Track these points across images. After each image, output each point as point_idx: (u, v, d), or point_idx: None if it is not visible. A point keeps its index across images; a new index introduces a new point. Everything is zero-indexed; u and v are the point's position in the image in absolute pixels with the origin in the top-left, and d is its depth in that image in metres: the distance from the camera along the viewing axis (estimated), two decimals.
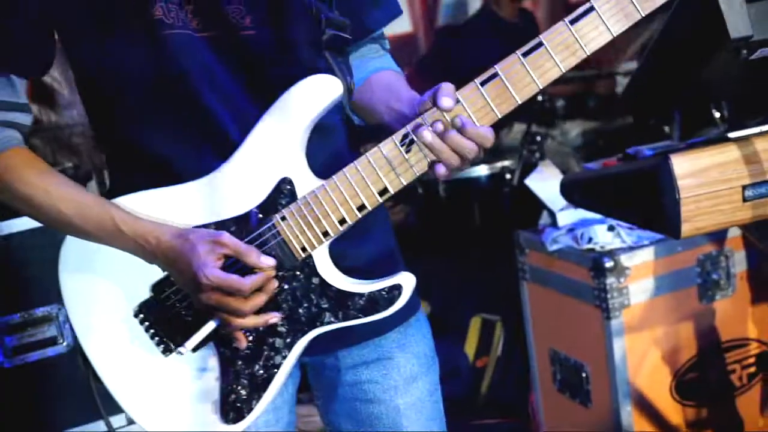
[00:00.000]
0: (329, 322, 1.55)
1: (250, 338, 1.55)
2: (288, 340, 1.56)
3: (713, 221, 1.88)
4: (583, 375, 3.09)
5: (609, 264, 2.85)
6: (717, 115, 2.53)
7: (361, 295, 1.54)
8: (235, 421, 1.57)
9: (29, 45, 1.54)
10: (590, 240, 2.93)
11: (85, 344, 1.63)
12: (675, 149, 1.95)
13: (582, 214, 3.09)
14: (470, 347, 3.96)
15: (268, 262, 1.48)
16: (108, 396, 1.65)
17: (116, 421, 3.14)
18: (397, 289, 1.53)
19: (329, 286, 1.54)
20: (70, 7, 1.49)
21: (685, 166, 1.84)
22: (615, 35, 1.41)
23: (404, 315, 1.68)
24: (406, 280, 1.54)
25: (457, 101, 1.43)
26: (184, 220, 1.54)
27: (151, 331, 1.59)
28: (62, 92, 4.49)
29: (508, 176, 4.19)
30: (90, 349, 1.63)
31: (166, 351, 1.59)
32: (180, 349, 1.53)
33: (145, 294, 1.58)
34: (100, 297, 1.61)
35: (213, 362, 1.58)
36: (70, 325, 2.93)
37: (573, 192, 2.28)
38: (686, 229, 1.86)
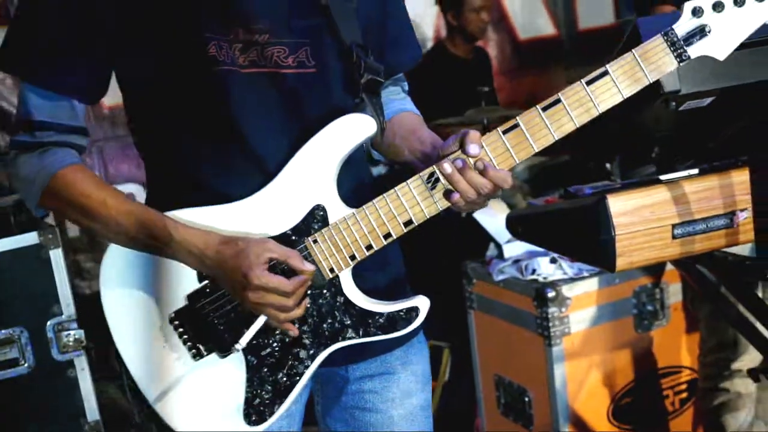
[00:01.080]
0: (350, 338, 1.71)
1: (277, 349, 1.71)
2: (311, 351, 1.71)
3: (645, 256, 2.05)
4: (526, 399, 3.25)
5: (551, 294, 3.02)
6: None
7: (381, 315, 1.71)
8: (257, 423, 1.72)
9: (92, 74, 1.69)
10: (534, 271, 3.10)
11: (121, 348, 1.75)
12: (612, 189, 2.11)
13: (526, 246, 3.25)
14: None
15: (310, 267, 1.64)
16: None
17: None
18: (414, 310, 1.71)
19: (353, 305, 1.71)
20: (134, 42, 1.64)
21: (620, 205, 2.00)
22: (625, 97, 1.59)
23: (409, 335, 1.84)
24: (423, 303, 1.72)
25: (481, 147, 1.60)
26: None
27: (185, 336, 1.71)
28: (9, 111, 4.57)
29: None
30: (125, 353, 1.75)
31: (197, 356, 1.72)
32: (237, 346, 1.64)
33: (180, 303, 1.71)
34: (136, 306, 1.74)
35: (240, 369, 1.72)
36: (32, 348, 3.05)
37: (518, 226, 2.43)
38: (621, 263, 2.02)
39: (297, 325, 1.68)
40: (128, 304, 1.75)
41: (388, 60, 1.85)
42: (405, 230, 1.67)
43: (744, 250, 2.15)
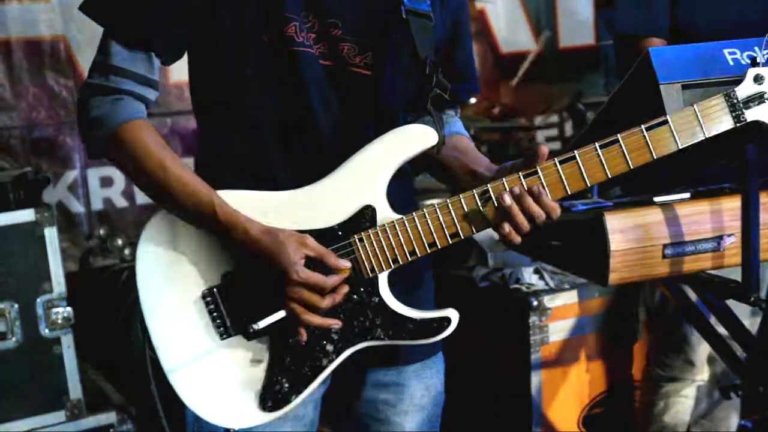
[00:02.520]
0: (378, 338, 1.73)
1: (305, 338, 1.72)
2: (339, 345, 1.73)
3: (636, 273, 2.13)
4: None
5: (534, 303, 3.13)
6: None
7: (412, 320, 1.72)
8: (273, 410, 1.74)
9: (173, 31, 1.72)
10: (517, 281, 3.21)
11: (149, 317, 1.76)
12: (607, 207, 2.21)
13: (511, 255, 3.37)
14: None
15: (346, 264, 1.66)
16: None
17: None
18: (446, 320, 1.72)
19: (386, 307, 1.72)
20: (215, 11, 1.69)
21: (616, 223, 2.08)
22: (680, 147, 1.66)
23: (428, 351, 1.92)
24: (454, 315, 1.73)
25: (536, 173, 1.65)
26: (267, 224, 1.70)
27: (215, 314, 1.73)
28: (4, 95, 4.56)
29: None
30: (152, 322, 1.76)
31: (224, 335, 1.73)
32: (253, 325, 1.65)
33: (216, 280, 1.74)
34: (171, 276, 1.76)
35: (263, 354, 1.74)
36: (21, 323, 3.08)
37: None
38: (613, 278, 2.10)
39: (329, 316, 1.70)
40: (163, 275, 1.76)
41: (458, 87, 1.92)
42: (450, 242, 1.70)
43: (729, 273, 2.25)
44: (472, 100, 4.76)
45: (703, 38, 1.99)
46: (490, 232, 3.20)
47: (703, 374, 3.09)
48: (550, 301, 3.16)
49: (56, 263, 3.17)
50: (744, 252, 2.06)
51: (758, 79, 1.68)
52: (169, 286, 1.76)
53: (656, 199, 2.17)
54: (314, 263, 1.65)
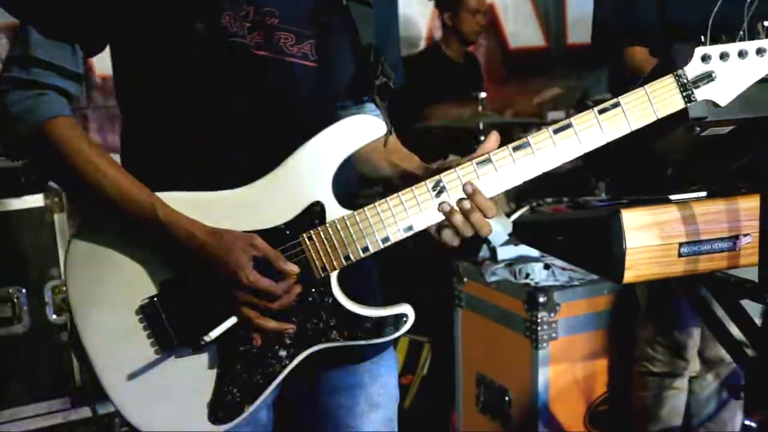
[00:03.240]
0: (334, 340, 1.66)
1: (256, 345, 1.64)
2: (291, 351, 1.65)
3: (651, 271, 2.12)
4: (506, 399, 3.35)
5: (542, 299, 3.12)
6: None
7: (368, 319, 1.66)
8: (224, 421, 1.65)
9: (98, 18, 1.61)
10: (527, 276, 3.20)
11: (83, 333, 1.66)
12: (622, 204, 2.20)
13: (520, 250, 3.36)
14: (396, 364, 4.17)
15: (294, 268, 1.59)
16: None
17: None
18: (403, 317, 1.68)
19: (341, 307, 1.66)
20: (142, 2, 1.59)
21: (633, 220, 2.07)
22: (632, 129, 1.67)
23: (381, 347, 1.86)
24: (410, 311, 1.69)
25: (489, 160, 1.63)
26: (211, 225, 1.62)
27: (156, 324, 1.63)
28: None
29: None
30: (87, 339, 1.66)
31: (166, 347, 1.64)
32: (204, 337, 1.57)
33: (153, 290, 1.64)
34: (105, 288, 1.65)
35: (211, 363, 1.65)
36: (28, 307, 3.08)
37: (526, 232, 2.53)
38: (628, 276, 2.09)
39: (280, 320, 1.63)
40: (96, 286, 1.66)
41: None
42: (405, 236, 1.64)
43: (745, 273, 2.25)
44: (483, 95, 4.70)
45: (695, 36, 1.99)
46: (498, 227, 3.22)
47: (694, 367, 3.12)
48: (560, 297, 3.15)
49: (65, 249, 3.15)
50: (761, 252, 2.05)
51: (705, 58, 1.68)
52: (103, 299, 1.66)
53: (673, 197, 2.17)
54: (263, 264, 1.58)
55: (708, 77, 1.68)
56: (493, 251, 3.41)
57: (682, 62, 1.72)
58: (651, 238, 2.09)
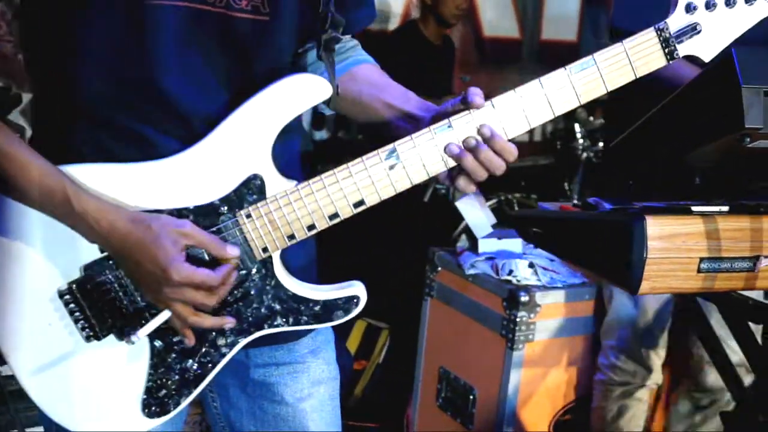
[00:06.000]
0: (278, 326, 1.52)
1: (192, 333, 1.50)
2: (230, 339, 1.52)
3: (668, 285, 2.00)
4: (471, 398, 3.20)
5: (524, 298, 2.97)
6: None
7: (316, 302, 1.52)
8: (157, 415, 1.52)
9: None
10: (510, 272, 3.05)
11: None
12: (638, 210, 2.06)
13: (502, 245, 3.21)
14: (350, 348, 4.01)
15: (233, 251, 1.42)
16: None
17: None
18: (354, 299, 1.52)
19: (285, 290, 1.51)
20: None
21: (656, 229, 1.95)
22: (608, 90, 1.50)
23: None
24: (362, 292, 1.53)
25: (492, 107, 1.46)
26: (134, 202, 1.43)
27: (77, 314, 1.47)
28: None
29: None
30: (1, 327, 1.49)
31: (91, 337, 1.47)
32: (132, 337, 1.41)
33: (75, 274, 1.46)
34: (21, 272, 1.47)
35: (143, 353, 1.50)
36: None
37: (529, 228, 2.37)
38: (644, 287, 1.96)
39: (218, 309, 1.47)
40: (12, 269, 1.47)
41: (351, 16, 1.65)
42: (354, 211, 1.47)
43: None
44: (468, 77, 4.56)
45: None
46: (482, 217, 3.06)
47: (657, 378, 3.05)
48: (541, 298, 3.01)
49: None
50: None
51: (690, 8, 1.52)
52: (20, 284, 1.47)
53: (695, 208, 2.04)
54: (197, 252, 1.41)
55: (693, 30, 1.52)
56: (474, 243, 3.25)
57: None
58: (672, 250, 1.97)
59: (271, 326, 1.52)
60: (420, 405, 3.51)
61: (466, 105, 1.46)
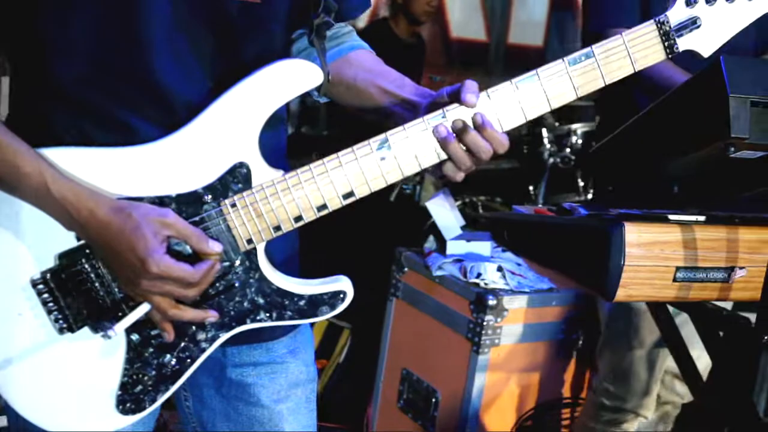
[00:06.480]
0: (261, 320, 1.47)
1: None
2: (211, 333, 1.46)
3: (643, 293, 1.99)
4: (433, 400, 3.16)
5: (492, 302, 2.94)
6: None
7: (301, 297, 1.47)
8: (134, 411, 1.46)
9: None
10: (479, 275, 3.01)
11: None
12: (619, 216, 2.04)
13: (471, 247, 3.17)
14: None
15: (216, 247, 1.37)
16: None
17: None
18: (341, 294, 1.48)
19: (269, 283, 1.46)
20: None
21: (635, 236, 1.93)
22: (606, 84, 1.47)
23: None
24: (349, 288, 1.49)
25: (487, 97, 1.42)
26: (113, 188, 1.38)
27: (50, 304, 1.41)
28: None
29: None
30: None
31: (65, 329, 1.42)
32: (109, 331, 1.36)
33: (49, 262, 1.40)
34: None
35: (118, 347, 1.44)
36: None
37: (503, 231, 2.34)
38: (620, 294, 1.94)
39: (199, 301, 1.42)
40: None
41: (341, 3, 1.60)
42: (343, 203, 1.43)
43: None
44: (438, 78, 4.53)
45: None
46: (452, 219, 3.03)
47: (648, 410, 2.95)
48: (509, 303, 2.98)
49: None
50: (766, 291, 1.93)
51: (690, 2, 1.50)
52: None
53: (672, 217, 2.03)
54: (179, 244, 1.37)
55: (693, 24, 1.50)
56: (442, 244, 3.21)
57: None
58: (650, 258, 1.96)
59: (253, 321, 1.46)
60: (380, 406, 3.47)
61: (459, 102, 1.41)
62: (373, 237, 3.94)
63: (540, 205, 2.13)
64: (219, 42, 1.42)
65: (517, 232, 2.32)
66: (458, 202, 4.84)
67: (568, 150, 4.53)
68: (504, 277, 3.04)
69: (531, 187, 4.61)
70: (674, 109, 1.92)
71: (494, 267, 3.02)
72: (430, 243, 3.30)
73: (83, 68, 1.37)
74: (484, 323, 2.95)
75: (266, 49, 1.47)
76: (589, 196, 4.64)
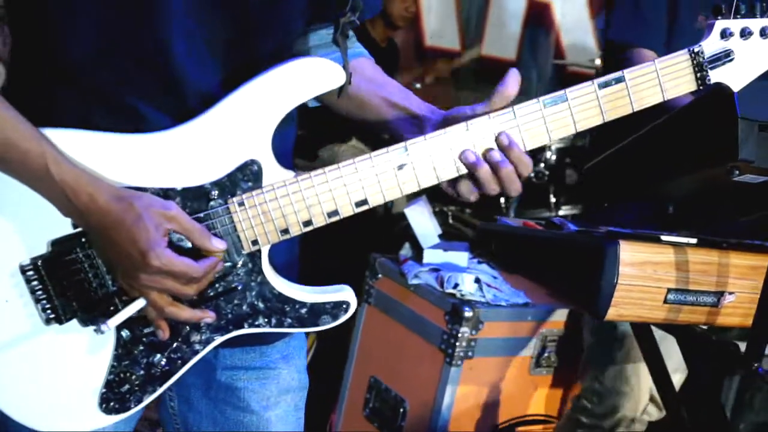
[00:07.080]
0: (259, 326, 1.42)
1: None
2: (205, 336, 1.41)
3: (634, 313, 1.97)
4: (401, 410, 3.11)
5: (468, 314, 2.90)
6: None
7: (303, 304, 1.42)
8: (118, 411, 1.40)
9: None
10: (456, 286, 2.97)
11: None
12: (609, 233, 2.01)
13: (448, 257, 3.13)
14: None
15: (220, 245, 1.32)
16: None
17: None
18: (344, 305, 1.44)
19: (271, 288, 1.41)
20: None
21: (629, 254, 1.91)
22: (633, 111, 1.44)
23: None
24: (352, 298, 1.45)
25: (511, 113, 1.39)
26: (116, 176, 1.32)
27: (39, 293, 1.34)
28: None
29: None
30: None
31: (52, 320, 1.36)
32: (102, 326, 1.30)
33: (41, 249, 1.34)
34: None
35: (106, 343, 1.38)
36: None
37: (490, 242, 2.30)
38: (611, 313, 1.92)
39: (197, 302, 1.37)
40: None
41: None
42: (356, 211, 1.38)
43: None
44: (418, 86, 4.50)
45: None
46: (430, 227, 2.98)
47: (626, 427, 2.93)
48: (485, 315, 2.94)
49: None
50: (758, 319, 1.92)
51: (725, 34, 1.49)
52: None
53: (664, 237, 2.01)
54: (180, 239, 1.31)
55: (726, 57, 1.48)
56: (418, 252, 3.17)
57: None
58: (642, 278, 1.94)
59: (251, 326, 1.41)
60: (345, 413, 3.41)
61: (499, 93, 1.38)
62: (346, 241, 3.89)
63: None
64: (235, 32, 1.37)
65: (505, 243, 2.29)
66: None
67: (542, 165, 4.52)
68: (481, 289, 3.00)
69: (502, 200, 4.59)
70: (678, 128, 1.90)
71: (472, 278, 2.98)
72: (406, 250, 3.25)
73: (93, 48, 1.30)
74: (459, 335, 2.91)
75: (281, 42, 1.42)
76: (560, 212, 4.63)
